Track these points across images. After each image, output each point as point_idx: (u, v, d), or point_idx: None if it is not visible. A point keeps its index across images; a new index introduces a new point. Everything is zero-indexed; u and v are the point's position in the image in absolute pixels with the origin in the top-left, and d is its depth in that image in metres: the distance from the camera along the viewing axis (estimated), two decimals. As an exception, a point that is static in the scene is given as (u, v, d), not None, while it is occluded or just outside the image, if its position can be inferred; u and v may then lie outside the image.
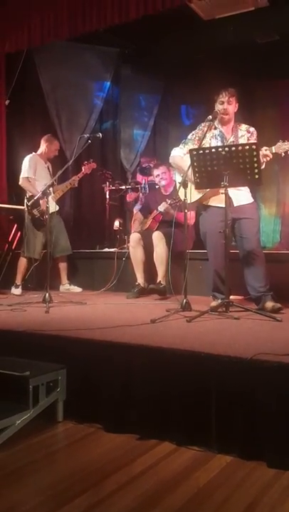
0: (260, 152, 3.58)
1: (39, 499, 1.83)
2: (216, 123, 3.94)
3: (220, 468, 2.05)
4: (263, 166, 3.66)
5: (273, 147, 3.63)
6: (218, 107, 3.86)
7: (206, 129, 3.89)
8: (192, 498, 1.81)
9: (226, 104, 3.84)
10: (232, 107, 3.88)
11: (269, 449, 2.09)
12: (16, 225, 5.97)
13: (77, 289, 5.49)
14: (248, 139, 3.84)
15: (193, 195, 3.86)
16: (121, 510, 1.74)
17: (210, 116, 3.82)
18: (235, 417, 2.20)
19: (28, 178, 5.31)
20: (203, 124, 3.97)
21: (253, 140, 3.82)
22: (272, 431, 2.10)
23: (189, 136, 4.03)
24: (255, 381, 2.18)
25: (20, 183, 5.38)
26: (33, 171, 5.32)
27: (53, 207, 5.14)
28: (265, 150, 3.62)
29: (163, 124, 8.65)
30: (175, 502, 1.79)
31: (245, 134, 3.90)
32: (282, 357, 2.20)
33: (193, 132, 4.03)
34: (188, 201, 3.78)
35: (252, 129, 3.93)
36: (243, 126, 3.95)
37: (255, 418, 2.15)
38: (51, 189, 4.59)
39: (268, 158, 3.64)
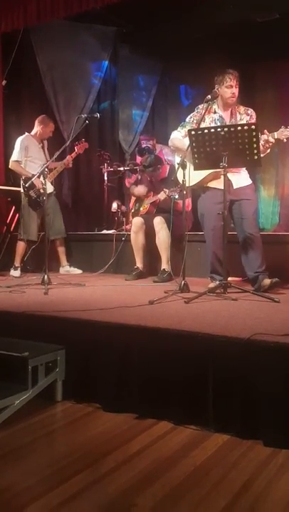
0: (262, 137, 3.57)
1: (38, 477, 1.86)
2: (215, 107, 3.89)
3: (217, 447, 2.07)
4: (268, 151, 3.66)
5: (275, 133, 3.61)
6: (226, 92, 3.77)
7: (204, 111, 3.84)
8: (189, 476, 1.83)
9: (234, 88, 3.76)
10: (237, 90, 3.80)
11: (265, 428, 2.11)
12: (14, 207, 5.96)
13: (77, 271, 5.51)
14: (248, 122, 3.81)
15: (192, 179, 3.83)
16: (119, 488, 1.76)
17: (209, 96, 3.76)
18: (232, 397, 2.22)
19: (17, 161, 5.30)
20: (201, 106, 3.91)
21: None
22: (269, 410, 2.12)
23: (187, 119, 3.98)
24: (253, 361, 2.20)
25: (10, 166, 5.40)
26: (24, 153, 5.31)
27: (50, 188, 5.13)
28: (267, 136, 3.60)
29: (162, 105, 8.57)
30: (172, 480, 1.81)
31: (245, 117, 3.86)
32: (279, 337, 2.22)
33: (190, 115, 3.99)
34: (187, 184, 3.76)
35: (250, 111, 3.89)
36: (242, 109, 3.90)
37: (251, 398, 2.17)
38: (47, 170, 4.57)
39: (271, 144, 3.62)
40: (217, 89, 3.80)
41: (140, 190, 5.24)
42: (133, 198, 5.57)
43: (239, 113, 3.89)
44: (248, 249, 3.80)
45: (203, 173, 3.82)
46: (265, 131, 3.63)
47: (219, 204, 3.57)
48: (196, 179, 3.87)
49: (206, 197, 3.92)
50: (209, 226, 3.86)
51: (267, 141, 3.60)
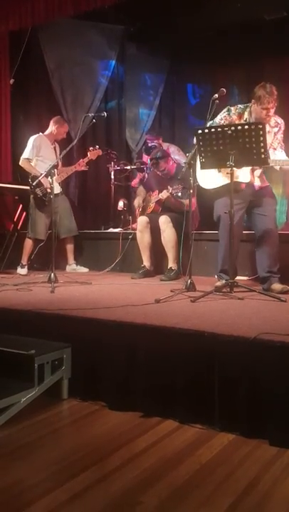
0: (286, 167, 3.57)
1: (44, 474, 1.87)
2: (247, 116, 3.74)
3: (222, 446, 2.07)
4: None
5: None
6: (262, 112, 3.62)
7: (235, 117, 3.76)
8: (194, 475, 1.84)
9: (271, 110, 3.64)
10: (274, 110, 3.67)
11: (271, 427, 2.11)
12: (21, 206, 5.97)
13: (84, 269, 5.51)
14: (275, 135, 3.75)
15: (207, 183, 3.82)
16: (124, 485, 1.77)
17: (216, 95, 3.71)
18: (237, 396, 2.22)
19: (28, 159, 5.31)
20: (233, 110, 3.78)
21: (280, 134, 3.76)
22: (275, 409, 2.12)
23: (217, 120, 3.79)
24: (258, 360, 2.20)
25: (20, 163, 5.39)
26: (35, 152, 5.31)
27: (57, 188, 5.13)
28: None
29: (169, 103, 8.55)
30: (178, 478, 1.81)
31: (272, 130, 3.74)
32: (285, 336, 2.21)
33: (221, 116, 3.78)
34: (205, 186, 3.74)
35: (280, 121, 3.79)
36: (272, 120, 3.76)
37: (257, 397, 2.17)
38: (55, 170, 4.57)
39: None
40: (253, 103, 3.68)
41: (138, 201, 5.32)
42: (137, 192, 5.58)
43: (269, 125, 3.71)
44: (264, 246, 3.80)
45: (219, 182, 3.80)
46: None
47: (237, 205, 3.60)
48: (210, 185, 3.85)
49: (225, 198, 3.74)
50: (227, 227, 3.75)
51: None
